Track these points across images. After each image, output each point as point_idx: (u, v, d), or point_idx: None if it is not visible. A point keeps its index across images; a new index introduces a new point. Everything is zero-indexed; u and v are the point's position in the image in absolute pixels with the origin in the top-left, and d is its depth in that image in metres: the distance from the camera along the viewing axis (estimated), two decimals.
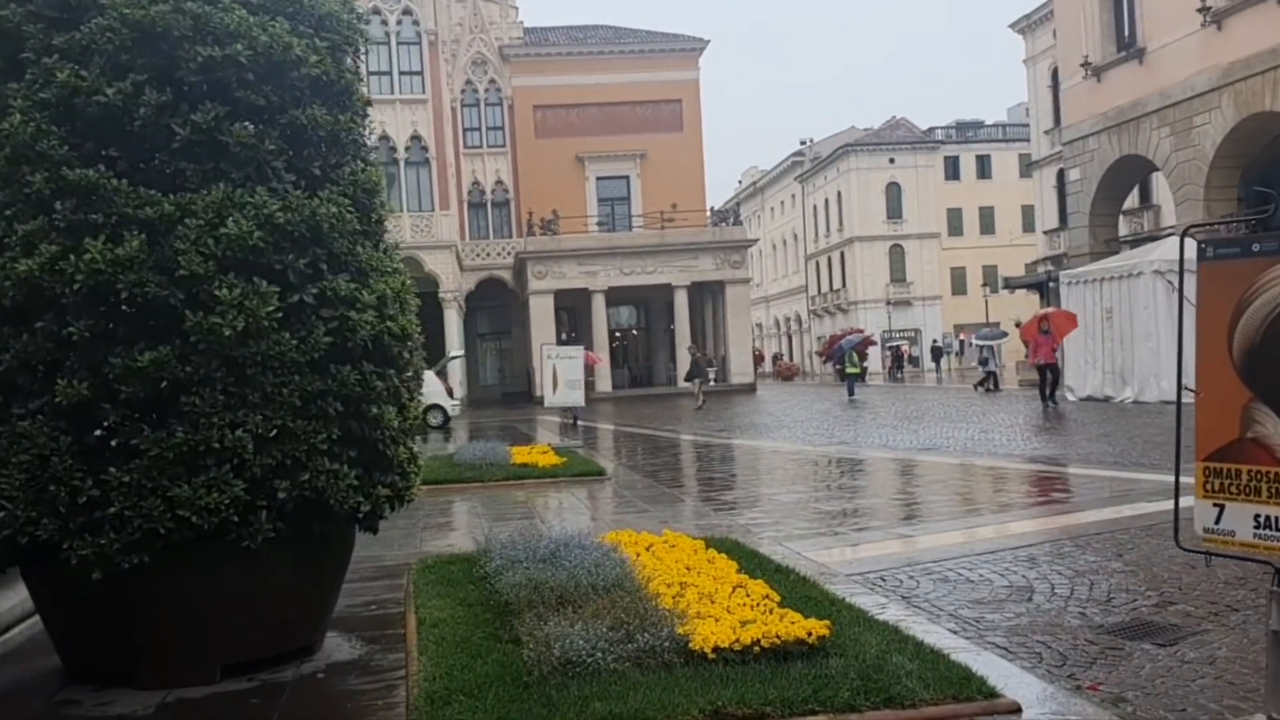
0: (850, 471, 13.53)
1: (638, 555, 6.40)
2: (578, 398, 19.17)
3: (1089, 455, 13.54)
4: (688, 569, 6.03)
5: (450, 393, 29.46)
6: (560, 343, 32.45)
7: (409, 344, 5.26)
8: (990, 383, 31.93)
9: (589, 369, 28.97)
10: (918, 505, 10.13)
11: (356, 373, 4.85)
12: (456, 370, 38.67)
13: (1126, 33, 26.55)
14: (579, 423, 20.38)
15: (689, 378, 30.21)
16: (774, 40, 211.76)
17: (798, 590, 5.85)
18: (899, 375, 54.63)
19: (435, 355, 33.80)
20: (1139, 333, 21.35)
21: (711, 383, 45.88)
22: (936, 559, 7.27)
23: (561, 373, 18.69)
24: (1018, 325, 38.14)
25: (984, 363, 34.33)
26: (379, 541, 9.20)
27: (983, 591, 6.30)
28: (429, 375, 28.85)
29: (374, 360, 4.98)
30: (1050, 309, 22.19)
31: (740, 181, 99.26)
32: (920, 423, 20.60)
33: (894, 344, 62.55)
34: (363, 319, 4.80)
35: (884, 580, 6.70)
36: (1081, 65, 27.50)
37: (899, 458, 14.60)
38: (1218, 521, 3.72)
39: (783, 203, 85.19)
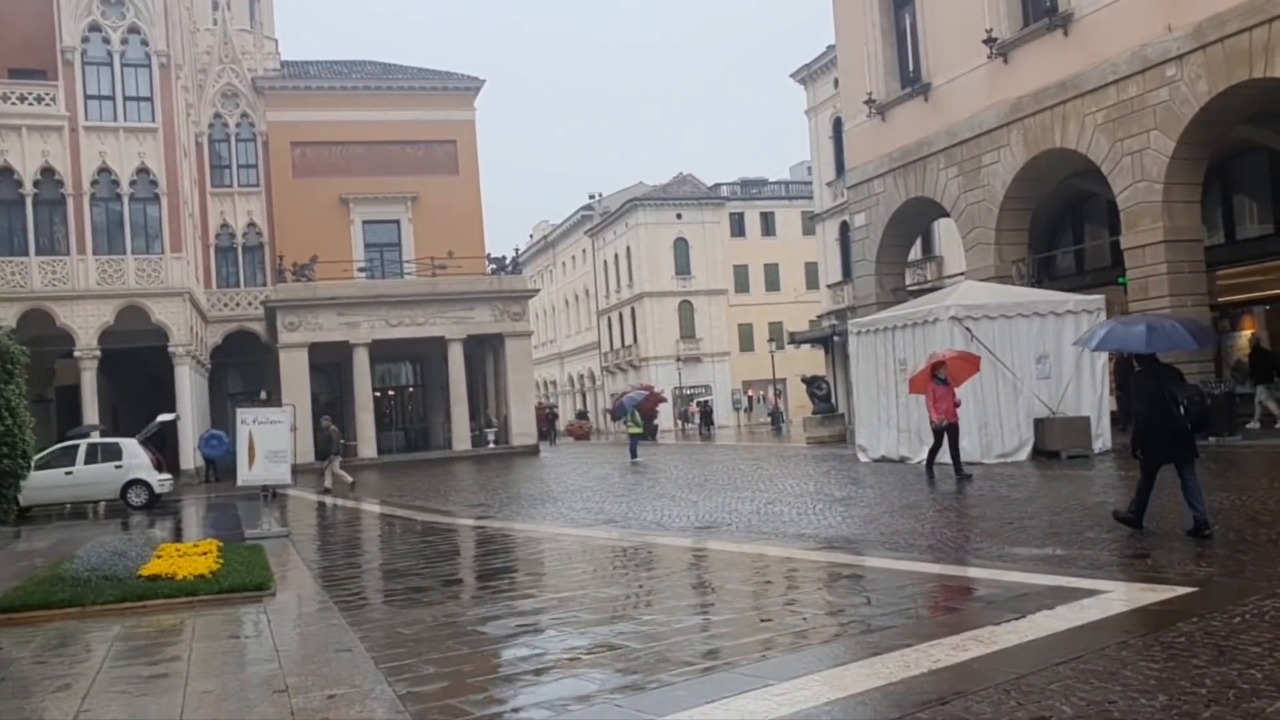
0: (610, 571, 10.41)
1: None
2: (283, 473, 15.23)
3: (895, 535, 10.96)
4: None
5: (160, 465, 24.61)
6: (258, 404, 28.14)
7: None
8: None
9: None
10: (689, 641, 6.99)
11: None
12: (187, 437, 33.48)
13: (911, 68, 25.26)
14: (273, 496, 16.45)
15: (319, 457, 25.81)
16: (563, 94, 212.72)
17: None
18: (707, 432, 52.80)
19: (154, 417, 28.76)
20: None
21: (491, 445, 42.41)
22: None
23: (260, 442, 14.72)
24: (805, 381, 36.31)
25: None
26: None
27: None
28: (130, 444, 24.08)
29: None
30: (945, 352, 17.47)
31: (532, 235, 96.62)
32: (702, 491, 17.89)
33: (702, 399, 61.16)
34: None
35: None
36: (865, 103, 26.07)
37: (674, 544, 11.65)
38: None
39: (574, 257, 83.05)
